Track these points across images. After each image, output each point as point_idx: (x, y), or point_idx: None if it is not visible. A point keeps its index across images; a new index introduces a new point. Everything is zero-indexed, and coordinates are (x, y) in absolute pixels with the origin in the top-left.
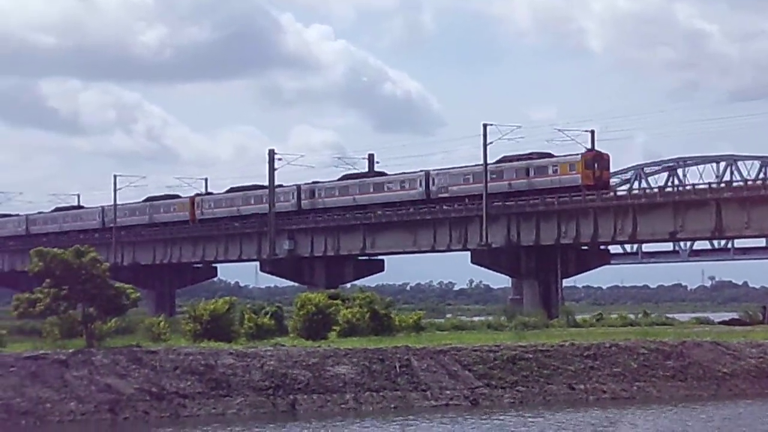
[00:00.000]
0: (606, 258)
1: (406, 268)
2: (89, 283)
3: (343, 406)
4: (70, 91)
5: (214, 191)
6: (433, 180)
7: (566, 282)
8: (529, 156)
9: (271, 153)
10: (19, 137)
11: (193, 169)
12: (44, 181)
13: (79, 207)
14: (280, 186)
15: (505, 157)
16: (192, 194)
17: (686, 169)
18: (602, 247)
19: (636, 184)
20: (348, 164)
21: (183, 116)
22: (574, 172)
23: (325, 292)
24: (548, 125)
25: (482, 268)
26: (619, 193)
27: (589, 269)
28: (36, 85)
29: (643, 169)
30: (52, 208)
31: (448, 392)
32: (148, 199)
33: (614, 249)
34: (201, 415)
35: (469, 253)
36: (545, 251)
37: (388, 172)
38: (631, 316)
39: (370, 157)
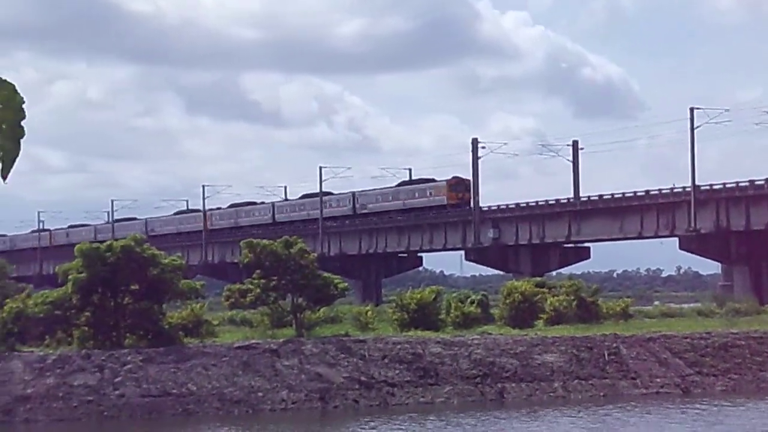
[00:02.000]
0: None
1: (612, 255)
2: (298, 273)
3: (551, 394)
4: (272, 85)
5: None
6: (357, 199)
7: None
8: (417, 181)
9: (474, 141)
10: (225, 131)
11: (395, 158)
12: (250, 173)
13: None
14: (263, 203)
15: (403, 181)
16: (206, 208)
17: None
18: None
19: None
20: (551, 151)
21: (383, 106)
22: (441, 194)
23: (531, 280)
24: (754, 107)
25: (691, 254)
26: None
27: None
28: (238, 79)
29: None
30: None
31: (658, 380)
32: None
33: None
34: (410, 404)
35: (677, 239)
36: (757, 236)
37: (334, 191)
38: None
39: (574, 144)
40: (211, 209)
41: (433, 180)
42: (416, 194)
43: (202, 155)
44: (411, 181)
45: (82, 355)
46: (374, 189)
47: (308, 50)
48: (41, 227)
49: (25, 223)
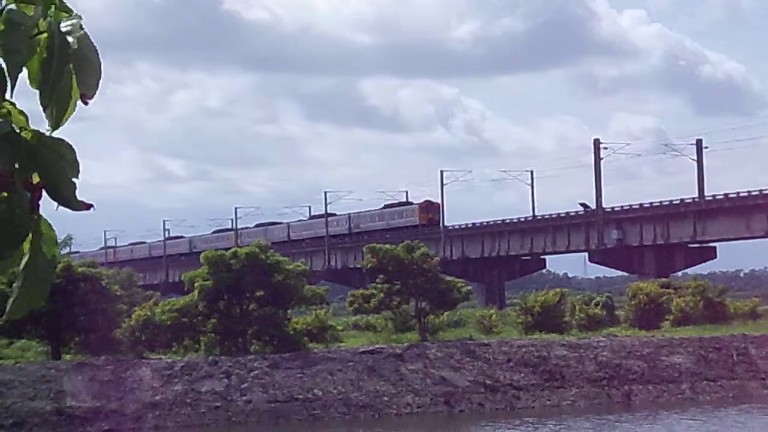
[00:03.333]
0: None
1: (739, 255)
2: (421, 277)
3: (679, 396)
4: (390, 89)
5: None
6: (352, 220)
7: None
8: (397, 204)
9: (596, 142)
10: (344, 136)
11: (515, 161)
12: (371, 178)
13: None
14: (281, 223)
15: (386, 204)
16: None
17: None
18: None
19: None
20: (674, 151)
21: (501, 109)
22: (414, 216)
23: (656, 281)
24: None
25: None
26: None
27: None
28: (356, 84)
29: None
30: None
31: None
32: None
33: None
34: (535, 407)
35: None
36: None
37: (338, 213)
38: None
39: (698, 143)
40: (240, 228)
41: (410, 203)
42: (396, 216)
43: (323, 161)
44: (392, 204)
45: (209, 362)
46: (365, 211)
47: (424, 54)
48: (167, 236)
49: (152, 231)
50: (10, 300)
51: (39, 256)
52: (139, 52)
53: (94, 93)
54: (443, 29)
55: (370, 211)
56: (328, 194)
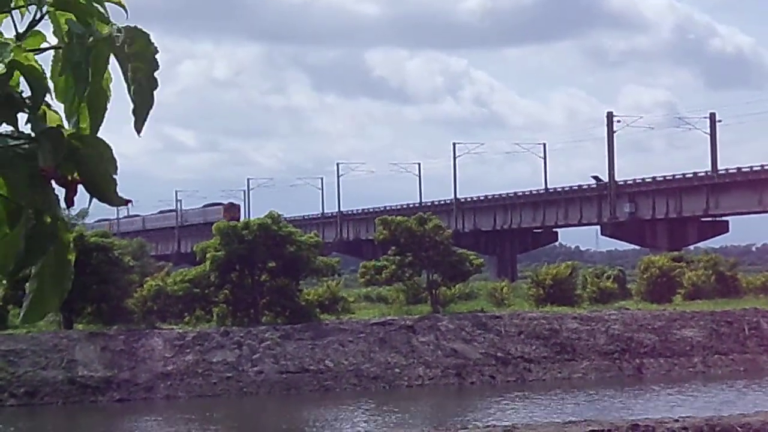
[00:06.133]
0: None
1: (751, 229)
2: (433, 249)
3: (690, 369)
4: (397, 61)
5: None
6: (182, 215)
7: None
8: (213, 204)
9: (610, 115)
10: (352, 108)
11: (524, 133)
12: (381, 150)
13: None
14: (138, 216)
15: (207, 203)
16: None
17: None
18: None
19: None
20: (688, 124)
21: (509, 81)
22: (221, 214)
23: (668, 255)
24: None
25: None
26: None
27: None
28: (363, 55)
29: None
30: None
31: None
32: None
33: None
34: (546, 380)
35: None
36: None
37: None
38: None
39: (712, 116)
40: (120, 218)
41: (220, 204)
42: (210, 214)
43: (331, 132)
44: (210, 204)
45: (221, 332)
46: (192, 208)
47: (432, 25)
48: (180, 207)
49: (163, 202)
50: (25, 304)
51: (61, 259)
52: (146, 22)
53: (141, 128)
54: (452, 0)
55: (194, 208)
56: (340, 166)
